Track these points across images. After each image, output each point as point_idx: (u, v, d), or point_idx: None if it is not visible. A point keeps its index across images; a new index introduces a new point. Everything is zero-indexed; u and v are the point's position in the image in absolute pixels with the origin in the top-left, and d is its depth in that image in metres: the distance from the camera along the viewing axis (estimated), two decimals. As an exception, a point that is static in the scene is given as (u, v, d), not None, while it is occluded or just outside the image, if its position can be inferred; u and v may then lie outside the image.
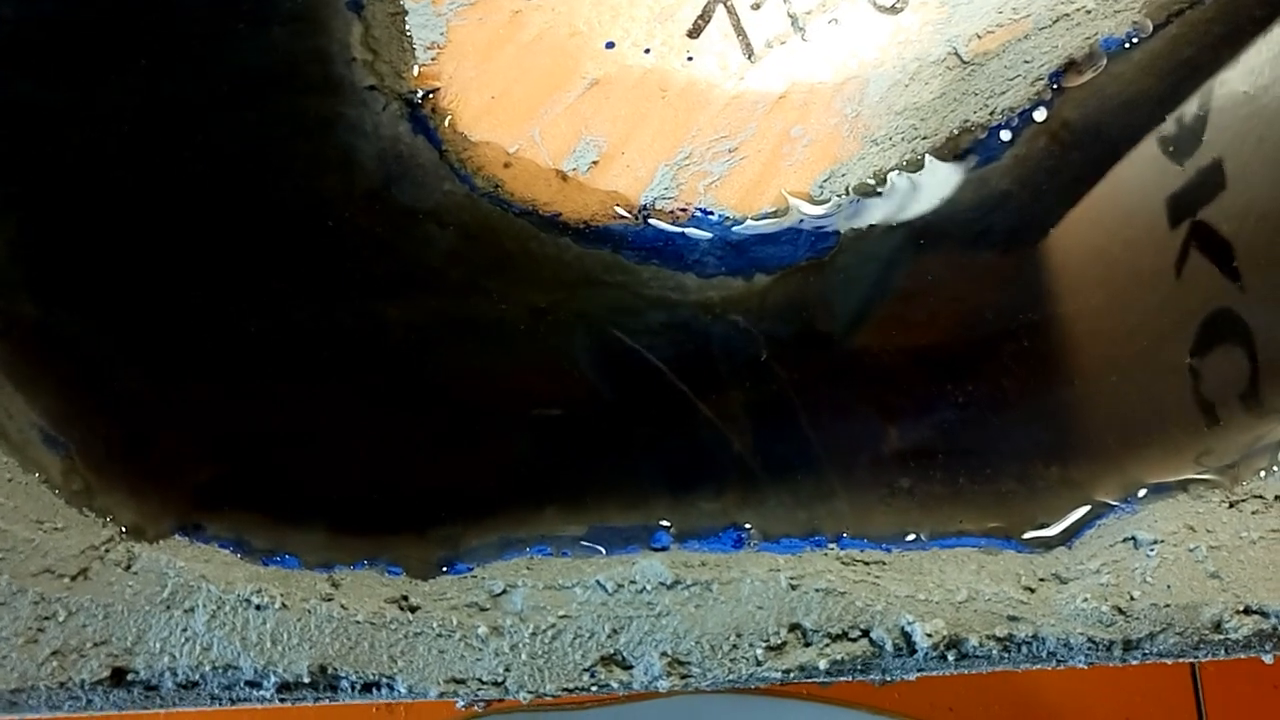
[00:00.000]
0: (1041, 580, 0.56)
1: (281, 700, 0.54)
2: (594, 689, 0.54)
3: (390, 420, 0.59)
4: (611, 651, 0.55)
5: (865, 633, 0.55)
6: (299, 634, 0.54)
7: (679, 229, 0.61)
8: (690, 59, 0.62)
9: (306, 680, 0.54)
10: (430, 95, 0.62)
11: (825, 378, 0.60)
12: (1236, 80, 0.62)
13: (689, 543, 0.58)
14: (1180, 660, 0.56)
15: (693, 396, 0.59)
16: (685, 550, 0.57)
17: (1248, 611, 0.55)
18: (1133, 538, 0.57)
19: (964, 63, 0.61)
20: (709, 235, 0.61)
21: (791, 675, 0.55)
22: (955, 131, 0.62)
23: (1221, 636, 0.55)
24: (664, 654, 0.54)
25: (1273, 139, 0.62)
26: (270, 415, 0.59)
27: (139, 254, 0.60)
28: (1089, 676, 0.56)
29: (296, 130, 0.61)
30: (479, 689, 0.54)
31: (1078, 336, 0.60)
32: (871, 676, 0.56)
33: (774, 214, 0.61)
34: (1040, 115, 0.62)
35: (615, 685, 0.54)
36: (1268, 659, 0.56)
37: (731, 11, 0.62)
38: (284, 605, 0.55)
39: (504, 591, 0.56)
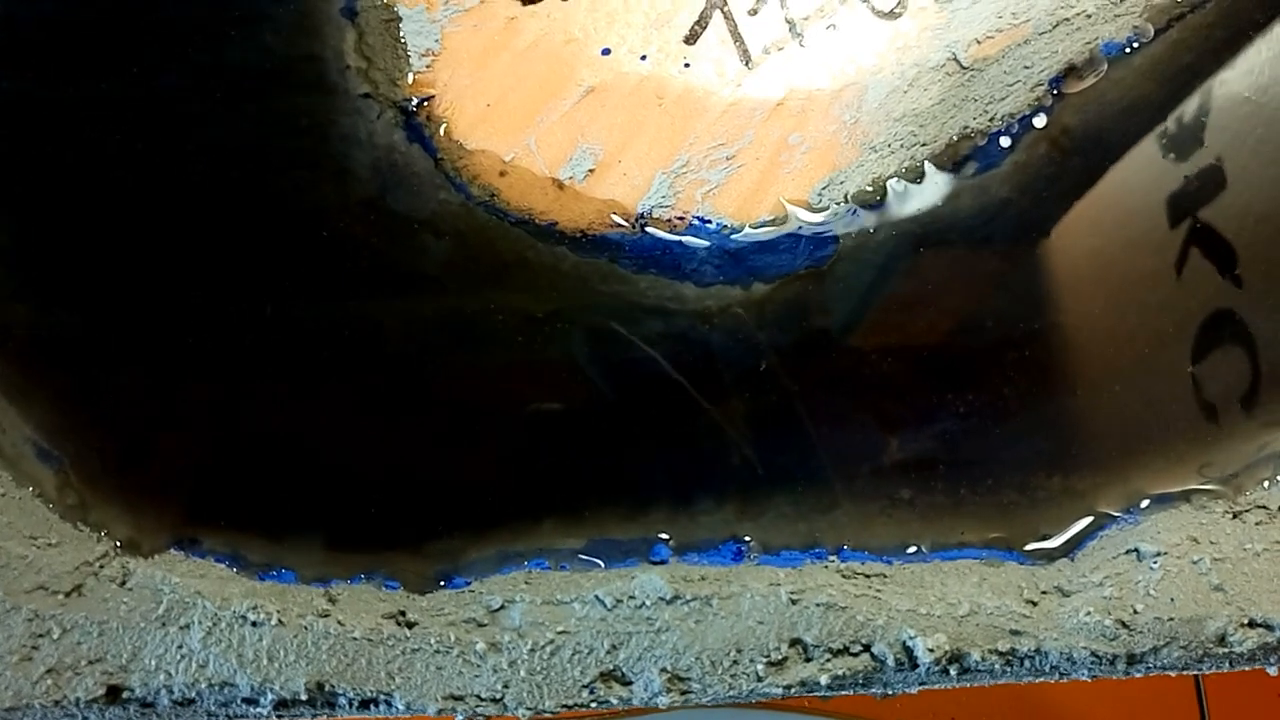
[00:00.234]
0: (1044, 593, 0.56)
1: (279, 717, 0.54)
2: (593, 705, 0.54)
3: (386, 433, 0.59)
4: (611, 667, 0.54)
5: (867, 647, 0.55)
6: (296, 650, 0.54)
7: (676, 237, 0.60)
8: (687, 66, 0.62)
9: (304, 697, 0.53)
10: (425, 103, 0.61)
11: (824, 387, 0.60)
12: (1237, 85, 0.61)
13: (688, 555, 0.57)
14: (1184, 673, 0.56)
15: (694, 393, 0.59)
16: (685, 563, 0.57)
17: (1252, 624, 0.54)
18: (1136, 549, 0.56)
19: (963, 68, 0.61)
20: (707, 244, 0.60)
21: (792, 690, 0.54)
22: (955, 138, 0.61)
23: (1226, 650, 0.55)
24: (664, 670, 0.54)
25: (1274, 142, 0.61)
26: (266, 428, 0.59)
27: (134, 266, 0.60)
28: (1092, 682, 0.56)
29: (290, 139, 0.61)
30: (477, 706, 0.54)
31: (1079, 345, 0.60)
32: (873, 690, 0.55)
33: (772, 222, 0.61)
34: (1040, 121, 0.61)
35: (615, 701, 0.54)
36: (1272, 671, 0.56)
37: (728, 17, 0.62)
38: (280, 621, 0.54)
39: (502, 607, 0.55)
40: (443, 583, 0.57)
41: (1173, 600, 0.55)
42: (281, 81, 0.62)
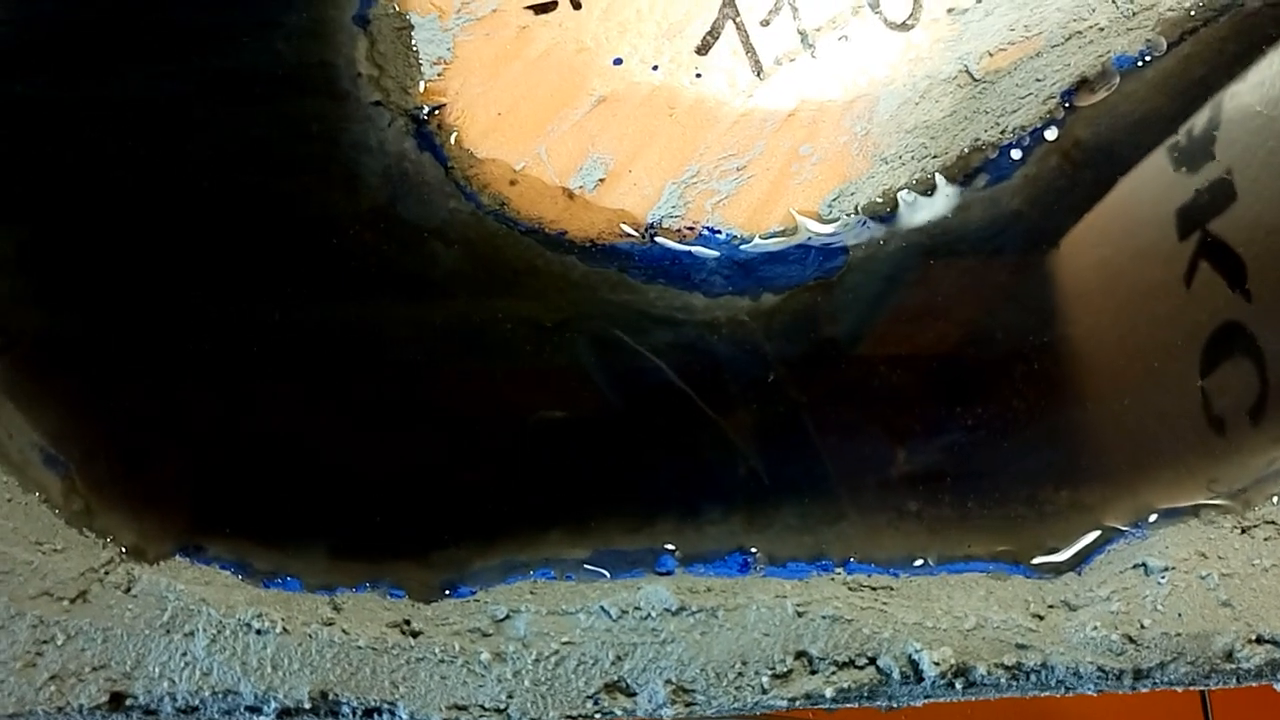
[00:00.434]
0: (1050, 607, 0.56)
1: (282, 726, 0.54)
2: (598, 716, 0.54)
3: (393, 440, 0.59)
4: (616, 678, 0.54)
5: (872, 660, 0.54)
6: (300, 659, 0.54)
7: (686, 247, 0.60)
8: (699, 76, 0.61)
9: (307, 706, 0.53)
10: (436, 111, 0.61)
11: (833, 399, 0.59)
12: (1249, 98, 0.61)
13: (694, 566, 0.57)
14: (1191, 688, 0.56)
15: (701, 403, 0.58)
16: (691, 574, 0.57)
17: (1260, 641, 0.54)
18: (1143, 564, 0.56)
19: (975, 80, 0.61)
20: (716, 254, 0.60)
21: (797, 703, 0.54)
22: (966, 150, 0.61)
23: (1233, 666, 0.54)
24: (668, 681, 0.54)
25: (1287, 157, 0.61)
26: (272, 435, 0.59)
27: (141, 271, 0.59)
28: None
29: (301, 146, 0.61)
30: (481, 716, 0.53)
31: (1088, 358, 0.60)
32: (878, 703, 0.55)
33: (782, 233, 0.60)
34: (1052, 134, 0.61)
35: (619, 712, 0.54)
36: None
37: (740, 28, 0.62)
38: (285, 630, 0.54)
39: (507, 616, 0.55)
40: (448, 592, 0.56)
41: (1180, 615, 0.55)
42: (293, 88, 0.62)
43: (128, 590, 0.55)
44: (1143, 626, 0.55)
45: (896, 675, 0.54)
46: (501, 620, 0.55)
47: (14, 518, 0.56)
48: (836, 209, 0.60)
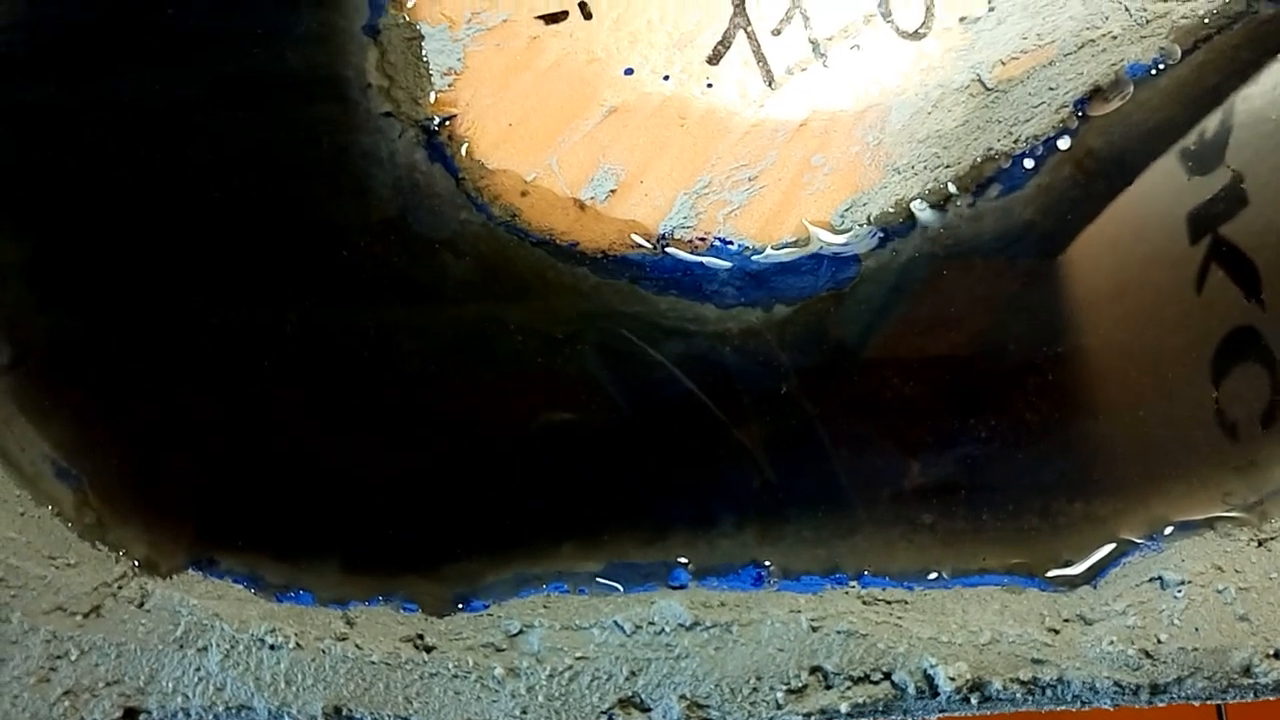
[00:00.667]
0: (1066, 621, 0.55)
1: (296, 740, 0.54)
2: (611, 732, 0.54)
3: (404, 453, 0.59)
4: (630, 694, 0.54)
5: (887, 675, 0.54)
6: (313, 674, 0.54)
7: (698, 258, 0.60)
8: (710, 86, 0.61)
9: (321, 721, 0.53)
10: (447, 122, 0.61)
11: (846, 411, 0.59)
12: (1263, 107, 0.61)
13: (708, 580, 0.57)
14: (1208, 703, 0.55)
15: (718, 412, 0.58)
16: (704, 588, 0.57)
17: (1278, 655, 0.54)
18: (1159, 577, 0.56)
19: (988, 89, 0.61)
20: (728, 265, 0.60)
21: (812, 718, 0.54)
22: (979, 160, 0.61)
23: (1251, 681, 0.54)
24: (683, 697, 0.54)
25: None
26: (284, 447, 0.59)
27: (153, 283, 0.59)
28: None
29: (311, 157, 0.61)
30: (495, 731, 0.53)
31: (1101, 369, 0.59)
32: (893, 718, 0.55)
33: (794, 243, 0.60)
34: (1065, 143, 0.61)
35: (633, 728, 0.54)
36: (1297, 702, 0.55)
37: (752, 38, 0.61)
38: (298, 645, 0.54)
39: (521, 631, 0.55)
40: (461, 605, 0.56)
41: (1197, 630, 0.55)
42: (303, 98, 0.61)
43: (141, 605, 0.55)
44: (1159, 641, 0.54)
45: (912, 690, 0.54)
46: (515, 635, 0.55)
47: (27, 532, 0.55)
48: (849, 219, 0.60)
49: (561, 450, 0.59)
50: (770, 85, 0.61)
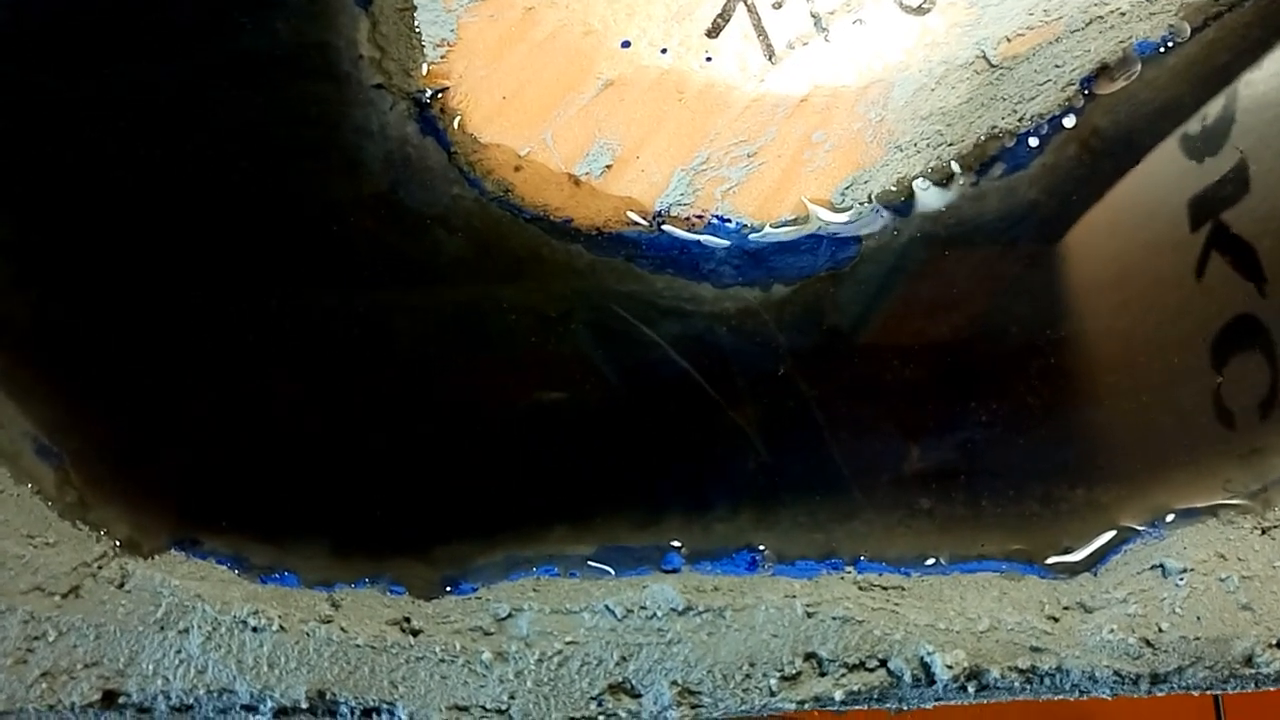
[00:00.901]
0: (1066, 609, 0.55)
1: (278, 725, 0.53)
2: (601, 718, 0.53)
3: (393, 433, 0.58)
4: (620, 679, 0.53)
5: (883, 662, 0.53)
6: (297, 657, 0.53)
7: (695, 236, 0.59)
8: (709, 60, 0.60)
9: (304, 705, 0.53)
10: (439, 95, 0.60)
11: (844, 393, 0.58)
12: (1275, 86, 0.60)
13: (701, 564, 0.56)
14: (1209, 692, 0.55)
15: (713, 393, 0.57)
16: (697, 572, 0.56)
17: (1280, 645, 0.53)
18: (1161, 565, 0.55)
19: (992, 66, 0.59)
20: (726, 243, 0.59)
21: (806, 705, 0.53)
22: (982, 138, 0.60)
23: (1253, 671, 0.53)
24: (674, 683, 0.53)
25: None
26: (270, 426, 0.58)
27: (137, 259, 0.58)
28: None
29: (300, 130, 0.60)
30: (483, 717, 0.52)
31: (1104, 353, 0.58)
32: (888, 706, 0.54)
33: (793, 222, 0.59)
34: (1070, 122, 0.60)
35: (623, 714, 0.53)
36: (1300, 693, 0.54)
37: (752, 10, 0.60)
38: (282, 627, 0.53)
39: (509, 615, 0.54)
40: (449, 589, 0.56)
41: (1199, 619, 0.54)
42: (293, 70, 0.60)
43: (121, 585, 0.54)
44: (1160, 630, 0.54)
45: (908, 678, 0.53)
46: (504, 619, 0.54)
47: (5, 510, 0.55)
48: (850, 197, 0.59)
49: (553, 430, 0.58)
50: (771, 59, 0.60)
